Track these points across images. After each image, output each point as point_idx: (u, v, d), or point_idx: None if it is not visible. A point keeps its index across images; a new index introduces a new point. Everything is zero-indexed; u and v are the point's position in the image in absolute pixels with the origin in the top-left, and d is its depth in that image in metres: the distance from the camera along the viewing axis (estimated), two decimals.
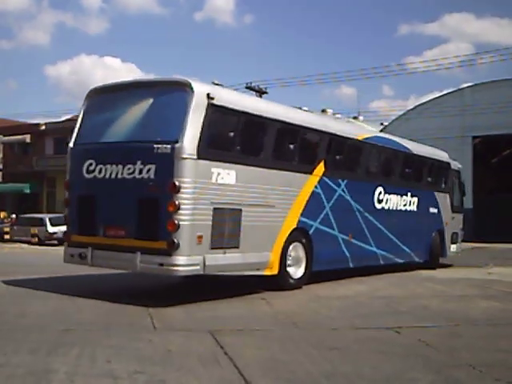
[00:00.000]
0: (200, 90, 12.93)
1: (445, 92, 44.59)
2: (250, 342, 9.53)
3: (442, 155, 25.75)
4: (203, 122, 12.71)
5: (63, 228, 36.73)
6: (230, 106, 13.63)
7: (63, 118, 68.97)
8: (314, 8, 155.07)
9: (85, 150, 14.23)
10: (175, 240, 12.23)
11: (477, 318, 12.33)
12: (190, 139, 12.46)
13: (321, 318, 11.96)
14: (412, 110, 44.96)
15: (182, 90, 13.04)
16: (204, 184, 12.73)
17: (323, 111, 53.95)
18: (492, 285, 17.72)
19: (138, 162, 12.90)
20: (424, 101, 45.56)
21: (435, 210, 23.87)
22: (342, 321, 11.68)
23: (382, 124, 51.00)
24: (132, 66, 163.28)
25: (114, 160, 13.36)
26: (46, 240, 37.12)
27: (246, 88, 45.19)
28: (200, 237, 12.61)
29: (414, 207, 22.38)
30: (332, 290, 15.95)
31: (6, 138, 68.82)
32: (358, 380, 7.53)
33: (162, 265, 12.53)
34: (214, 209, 12.92)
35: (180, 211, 12.25)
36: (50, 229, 37.34)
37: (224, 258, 13.36)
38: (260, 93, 45.44)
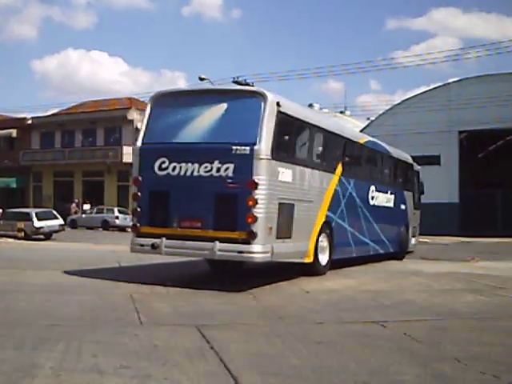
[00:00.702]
0: (272, 98, 14.60)
1: (432, 87, 44.70)
2: (236, 336, 9.54)
3: (408, 157, 27.87)
4: (274, 127, 14.43)
5: (49, 222, 37.03)
6: (291, 114, 15.47)
7: (50, 113, 68.82)
8: (302, 2, 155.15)
9: (156, 149, 15.32)
10: (254, 230, 13.91)
11: (462, 312, 12.36)
12: (265, 142, 14.16)
13: (307, 312, 11.98)
14: (399, 104, 45.03)
15: (257, 98, 14.68)
16: (273, 181, 14.49)
17: (310, 106, 54.08)
18: (478, 279, 17.77)
19: (216, 162, 14.34)
20: (411, 95, 45.71)
21: (404, 207, 25.96)
22: (328, 315, 11.70)
23: (368, 119, 51.16)
24: (119, 60, 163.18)
25: (190, 159, 14.66)
26: (32, 234, 37.02)
27: (233, 82, 45.12)
28: (270, 228, 14.35)
29: (391, 204, 24.30)
30: (318, 284, 15.95)
31: None
32: (344, 374, 7.55)
33: (241, 252, 14.17)
34: (279, 203, 14.76)
35: (258, 205, 13.94)
36: (37, 223, 37.25)
37: (283, 247, 15.06)
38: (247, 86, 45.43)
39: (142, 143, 15.61)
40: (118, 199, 56.42)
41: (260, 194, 14.01)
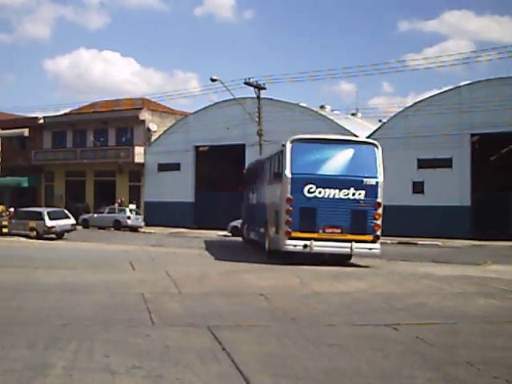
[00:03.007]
0: (379, 146, 23.01)
1: (443, 90, 44.52)
2: (247, 337, 9.53)
3: None
4: (381, 165, 22.68)
5: (61, 222, 37.01)
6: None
7: (61, 112, 68.87)
8: (314, 4, 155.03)
9: (303, 178, 21.99)
10: (378, 234, 22.33)
11: (474, 316, 12.30)
12: (380, 175, 22.45)
13: (319, 314, 11.96)
14: (410, 107, 44.76)
15: (372, 146, 23.14)
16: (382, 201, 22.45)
17: (321, 107, 53.97)
18: (490, 282, 17.67)
19: (352, 188, 21.98)
20: (422, 98, 45.55)
21: None
22: (339, 317, 11.67)
23: (380, 121, 50.87)
24: (131, 61, 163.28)
25: (333, 186, 21.94)
26: (44, 234, 37.00)
27: (245, 84, 45.10)
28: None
29: None
30: (330, 287, 15.95)
31: (4, 131, 68.71)
32: (356, 376, 7.53)
33: (370, 249, 22.22)
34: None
35: (379, 218, 22.29)
36: (48, 222, 37.21)
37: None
38: (258, 88, 45.36)
39: (292, 173, 22.05)
40: (129, 199, 56.37)
41: (380, 210, 22.33)
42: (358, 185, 21.93)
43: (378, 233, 22.15)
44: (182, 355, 8.24)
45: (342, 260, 23.12)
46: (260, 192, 29.04)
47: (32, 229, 36.94)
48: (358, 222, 21.93)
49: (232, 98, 46.18)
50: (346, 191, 21.86)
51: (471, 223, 40.38)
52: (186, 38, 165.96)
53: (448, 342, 9.61)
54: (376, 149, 22.77)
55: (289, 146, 22.36)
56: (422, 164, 42.11)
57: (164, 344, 8.83)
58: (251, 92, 46.42)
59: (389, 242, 36.00)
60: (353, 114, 57.17)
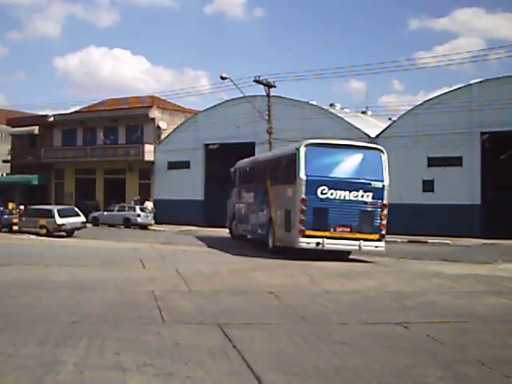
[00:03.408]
0: (385, 152, 24.56)
1: (453, 88, 44.38)
2: (258, 335, 9.53)
3: None
4: (387, 168, 24.29)
5: (71, 219, 37.07)
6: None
7: (71, 110, 68.98)
8: (324, 2, 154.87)
9: (317, 181, 23.42)
10: (384, 233, 23.82)
11: (485, 315, 12.28)
12: (386, 179, 24.07)
13: (329, 313, 11.96)
14: (420, 105, 44.62)
15: (379, 151, 24.70)
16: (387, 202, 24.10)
17: (331, 105, 53.89)
18: (501, 281, 17.63)
19: (361, 191, 23.55)
20: (433, 96, 45.42)
21: None
22: (350, 315, 11.67)
23: (390, 119, 50.78)
24: (141, 58, 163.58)
25: (343, 188, 23.47)
26: (54, 231, 37.06)
27: (254, 81, 45.05)
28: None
29: None
30: (340, 285, 15.94)
31: (15, 129, 68.94)
32: (367, 375, 7.53)
33: (377, 247, 23.59)
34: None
35: (385, 218, 23.86)
36: (59, 220, 37.25)
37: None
38: (268, 86, 45.29)
39: (306, 175, 23.47)
40: (137, 196, 56.39)
41: (386, 211, 23.94)
42: (366, 187, 23.68)
43: (384, 232, 23.84)
44: (192, 353, 8.25)
45: (341, 255, 24.52)
46: (260, 192, 29.86)
47: (42, 226, 37.01)
48: (365, 221, 23.67)
49: (242, 95, 46.15)
50: (355, 193, 23.53)
51: (481, 222, 40.28)
52: (196, 35, 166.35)
53: (459, 341, 9.60)
54: (382, 154, 24.55)
55: (303, 149, 23.88)
56: (432, 162, 42.00)
57: (174, 342, 8.84)
58: (261, 90, 46.41)
59: (399, 240, 36.00)
60: (363, 112, 57.03)
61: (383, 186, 23.88)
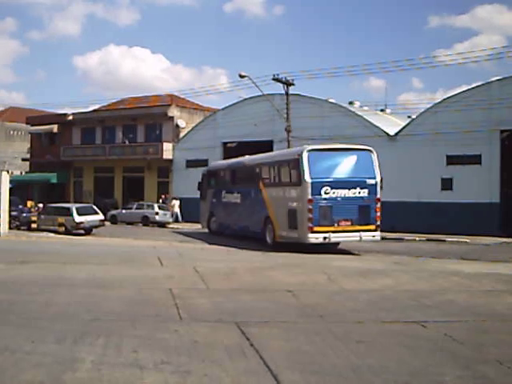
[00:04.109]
0: (374, 151, 27.94)
1: (473, 85, 44.12)
2: (276, 333, 9.53)
3: None
4: (378, 166, 27.67)
5: (90, 218, 37.26)
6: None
7: (90, 109, 69.22)
8: (344, 0, 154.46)
9: (321, 182, 26.40)
10: (379, 224, 27.50)
11: (504, 314, 12.20)
12: (378, 177, 27.60)
13: (347, 311, 11.92)
14: (440, 103, 44.40)
15: (370, 152, 27.97)
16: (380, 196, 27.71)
17: (350, 103, 53.80)
18: None
19: (358, 188, 26.92)
20: (452, 94, 45.19)
21: None
22: (368, 314, 11.64)
23: (409, 117, 50.64)
24: (161, 57, 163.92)
25: (344, 186, 26.71)
26: (72, 229, 37.20)
27: (273, 80, 45.01)
28: None
29: None
30: (358, 284, 15.90)
31: (34, 127, 69.23)
32: (384, 373, 7.51)
33: (373, 236, 27.47)
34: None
35: (379, 211, 27.41)
36: (77, 218, 37.40)
37: None
38: (287, 84, 45.25)
39: (311, 178, 26.34)
40: (157, 195, 56.51)
41: (379, 204, 27.53)
42: (362, 184, 27.08)
43: (379, 223, 27.46)
44: (210, 351, 8.26)
45: (332, 247, 28.56)
46: (250, 193, 32.93)
47: (61, 224, 37.18)
48: (363, 215, 27.12)
49: (260, 94, 46.14)
50: (353, 190, 26.90)
51: (500, 220, 40.03)
52: (216, 34, 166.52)
53: (477, 340, 9.54)
54: (372, 154, 27.90)
55: (305, 155, 26.76)
56: (451, 160, 41.78)
57: (192, 339, 8.85)
58: (280, 88, 46.36)
59: (417, 238, 35.93)
60: (382, 110, 56.90)
61: (376, 182, 27.51)
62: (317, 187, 26.36)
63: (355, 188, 26.91)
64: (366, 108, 54.02)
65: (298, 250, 25.89)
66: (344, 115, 46.68)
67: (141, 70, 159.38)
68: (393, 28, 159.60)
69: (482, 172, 40.59)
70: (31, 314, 10.55)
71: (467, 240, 35.24)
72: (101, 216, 39.73)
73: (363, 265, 20.49)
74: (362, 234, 27.03)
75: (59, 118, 67.12)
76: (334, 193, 26.52)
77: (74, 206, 39.76)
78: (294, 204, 27.44)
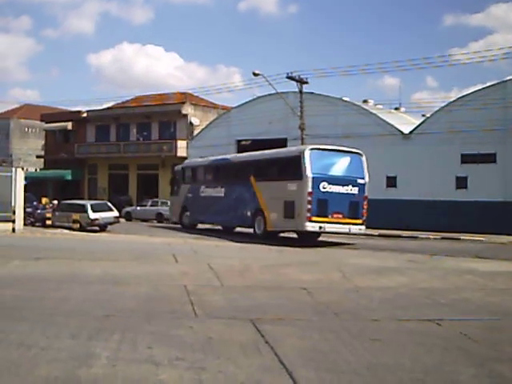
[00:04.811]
0: (363, 155, 31.16)
1: (488, 84, 43.94)
2: (290, 331, 9.52)
3: None
4: (366, 168, 30.86)
5: (104, 214, 37.37)
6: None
7: (105, 106, 69.43)
8: None
9: (319, 178, 29.42)
10: (365, 219, 30.53)
11: None
12: (366, 176, 30.72)
13: (361, 309, 11.91)
14: (454, 101, 44.25)
15: (360, 155, 31.23)
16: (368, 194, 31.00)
17: (364, 102, 53.70)
18: None
19: (350, 185, 30.12)
20: (466, 93, 45.06)
21: None
22: (382, 312, 11.62)
23: (423, 116, 50.49)
24: (174, 55, 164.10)
25: (339, 183, 29.87)
26: (87, 226, 37.29)
27: (287, 78, 45.00)
28: None
29: None
30: (372, 282, 15.88)
31: (48, 125, 69.47)
32: (399, 371, 7.49)
33: (360, 229, 30.64)
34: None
35: (366, 207, 30.54)
36: (92, 215, 37.49)
37: None
38: (301, 83, 45.22)
39: (312, 174, 29.26)
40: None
41: (366, 202, 30.76)
42: (354, 183, 30.45)
43: (365, 218, 30.83)
44: (224, 347, 8.27)
45: (312, 238, 31.94)
46: (238, 187, 35.53)
47: (75, 221, 37.31)
48: (353, 210, 30.40)
49: (274, 92, 46.14)
50: (346, 187, 30.18)
51: None
52: (230, 32, 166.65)
53: (492, 339, 9.52)
54: (362, 157, 31.37)
55: (307, 153, 29.86)
56: (466, 159, 41.66)
57: (207, 336, 8.86)
58: (294, 86, 46.35)
59: (431, 237, 35.84)
60: (396, 109, 56.76)
61: (365, 182, 30.87)
62: (316, 182, 29.36)
63: (348, 185, 30.19)
64: (380, 106, 53.88)
65: (285, 242, 30.38)
66: (358, 113, 46.63)
67: (154, 68, 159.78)
68: (407, 27, 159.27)
69: (496, 171, 40.44)
70: (46, 310, 10.59)
71: (482, 238, 35.10)
72: (115, 213, 39.82)
73: (378, 263, 20.45)
74: (351, 226, 30.45)
75: (73, 116, 67.39)
76: (330, 188, 29.63)
77: (88, 203, 39.87)
78: (293, 196, 30.16)
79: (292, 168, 30.85)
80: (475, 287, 15.43)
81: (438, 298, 13.33)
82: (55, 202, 47.36)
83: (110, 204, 41.08)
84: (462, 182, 41.85)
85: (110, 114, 65.96)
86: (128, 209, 52.63)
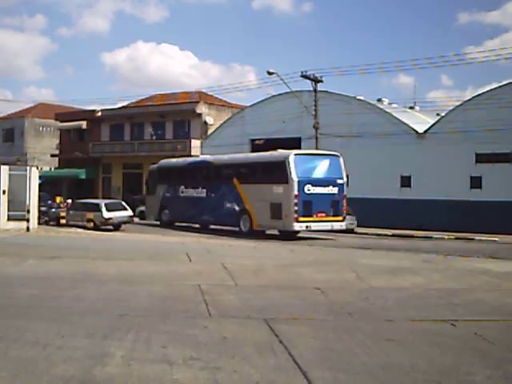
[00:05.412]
0: (340, 156, 34.32)
1: (503, 83, 43.77)
2: (305, 330, 9.52)
3: None
4: (344, 169, 34.54)
5: (119, 213, 37.49)
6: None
7: (119, 105, 69.59)
8: None
9: (305, 181, 32.41)
10: (345, 216, 34.31)
11: None
12: (345, 178, 34.16)
13: (376, 309, 11.88)
14: (469, 100, 44.12)
15: (338, 157, 34.36)
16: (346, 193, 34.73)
17: (379, 100, 53.58)
18: None
19: (331, 186, 33.28)
20: (481, 91, 44.90)
21: None
22: (397, 312, 11.60)
23: (438, 114, 50.34)
24: (189, 54, 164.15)
25: (321, 185, 33.04)
26: (101, 225, 37.38)
27: (302, 76, 44.98)
28: None
29: None
30: (387, 282, 15.84)
31: (63, 124, 69.66)
32: (413, 372, 7.48)
33: (341, 226, 33.83)
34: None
35: (345, 205, 34.19)
36: (106, 214, 37.59)
37: None
38: (315, 81, 45.21)
39: (298, 177, 32.20)
40: None
41: (345, 200, 34.05)
42: (334, 183, 33.74)
43: (345, 215, 34.41)
44: (239, 347, 8.28)
45: (291, 235, 34.29)
46: (220, 188, 38.15)
47: (89, 220, 37.41)
48: (334, 208, 33.68)
49: (288, 90, 46.12)
50: (328, 188, 33.43)
51: None
52: (244, 31, 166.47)
53: (508, 340, 9.49)
54: (340, 158, 34.71)
55: (292, 158, 32.72)
56: (480, 159, 41.56)
57: (221, 336, 8.87)
58: (308, 85, 46.33)
59: (446, 237, 35.77)
60: (410, 108, 56.61)
61: (343, 182, 34.14)
62: (301, 185, 32.35)
63: (328, 186, 33.46)
64: (394, 105, 53.79)
65: (269, 237, 34.11)
66: (372, 112, 46.59)
67: (169, 67, 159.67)
68: (422, 26, 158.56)
69: (511, 170, 40.29)
70: (62, 309, 10.64)
71: (496, 239, 35.04)
72: (130, 212, 39.92)
73: (392, 263, 20.39)
74: (333, 223, 33.71)
75: (88, 115, 67.59)
76: (313, 190, 32.70)
77: (102, 202, 40.02)
78: (280, 198, 33.00)
79: (277, 172, 33.49)
80: (490, 288, 15.37)
81: (452, 299, 13.29)
82: (69, 200, 47.59)
83: (124, 203, 41.16)
84: (476, 182, 41.75)
85: (125, 113, 66.12)
86: (142, 208, 52.69)
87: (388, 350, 8.46)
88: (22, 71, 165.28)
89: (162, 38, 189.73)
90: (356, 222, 42.32)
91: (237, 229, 36.33)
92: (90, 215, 37.62)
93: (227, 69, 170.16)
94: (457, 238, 35.71)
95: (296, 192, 32.03)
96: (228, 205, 37.18)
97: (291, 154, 33.00)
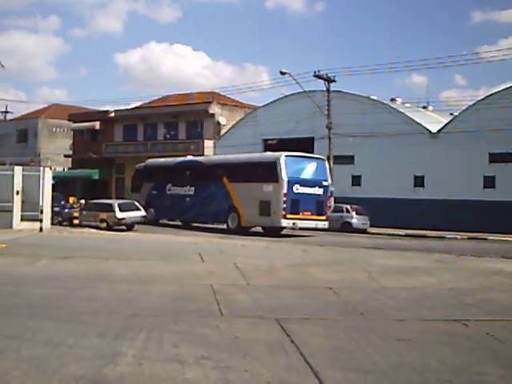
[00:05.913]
0: (326, 160, 39.11)
1: None
2: (316, 330, 9.52)
3: None
4: (329, 172, 38.81)
5: (132, 214, 37.61)
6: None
7: (132, 106, 69.73)
8: None
9: (294, 180, 34.75)
10: (327, 215, 36.81)
11: None
12: (329, 179, 37.49)
13: (388, 309, 11.87)
14: (482, 100, 44.02)
15: (324, 160, 38.40)
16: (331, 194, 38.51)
17: (392, 100, 53.48)
18: None
19: (317, 187, 35.92)
20: (495, 91, 44.76)
21: None
22: (409, 312, 11.58)
23: (451, 114, 50.21)
24: (202, 54, 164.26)
25: (308, 185, 35.46)
26: (114, 225, 37.40)
27: (314, 76, 44.97)
28: None
29: None
30: (399, 281, 15.82)
31: (76, 124, 69.84)
32: (425, 371, 7.46)
33: (324, 224, 36.42)
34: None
35: (330, 205, 37.85)
36: (119, 214, 37.61)
37: None
38: (328, 81, 45.19)
39: (288, 177, 34.42)
40: None
41: (330, 200, 37.27)
42: (320, 185, 36.19)
43: (328, 214, 36.92)
44: (250, 347, 8.28)
45: (275, 231, 36.83)
46: (209, 187, 39.90)
47: (102, 220, 37.44)
48: (319, 208, 36.09)
49: (301, 90, 46.09)
50: (314, 189, 35.81)
51: None
52: (257, 31, 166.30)
53: None
54: (325, 162, 38.45)
55: (283, 159, 35.15)
56: (494, 158, 41.46)
57: (233, 335, 8.88)
58: (321, 85, 46.31)
59: (458, 237, 35.68)
60: (424, 107, 56.49)
61: (328, 184, 36.90)
62: (290, 184, 34.63)
63: (315, 187, 35.86)
64: (407, 105, 53.70)
65: (253, 234, 36.59)
66: (386, 112, 46.57)
67: (182, 67, 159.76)
68: (435, 24, 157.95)
69: None
70: (74, 309, 10.67)
71: (509, 239, 34.89)
72: (143, 212, 39.90)
73: (404, 263, 20.36)
74: (317, 222, 36.04)
75: (101, 115, 67.76)
76: (301, 189, 35.04)
77: (116, 202, 40.06)
78: (269, 196, 35.17)
79: (268, 172, 35.74)
80: (502, 288, 15.34)
81: (464, 299, 13.25)
82: (82, 201, 47.58)
83: (137, 203, 41.18)
84: (489, 182, 41.64)
85: (138, 113, 66.26)
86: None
87: (399, 350, 8.44)
88: (36, 72, 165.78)
89: (175, 39, 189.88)
90: (369, 222, 42.32)
91: (224, 226, 38.50)
92: (103, 215, 37.66)
93: (240, 69, 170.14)
94: (469, 238, 35.62)
95: (285, 190, 34.34)
96: (217, 203, 38.99)
97: (282, 155, 35.47)
